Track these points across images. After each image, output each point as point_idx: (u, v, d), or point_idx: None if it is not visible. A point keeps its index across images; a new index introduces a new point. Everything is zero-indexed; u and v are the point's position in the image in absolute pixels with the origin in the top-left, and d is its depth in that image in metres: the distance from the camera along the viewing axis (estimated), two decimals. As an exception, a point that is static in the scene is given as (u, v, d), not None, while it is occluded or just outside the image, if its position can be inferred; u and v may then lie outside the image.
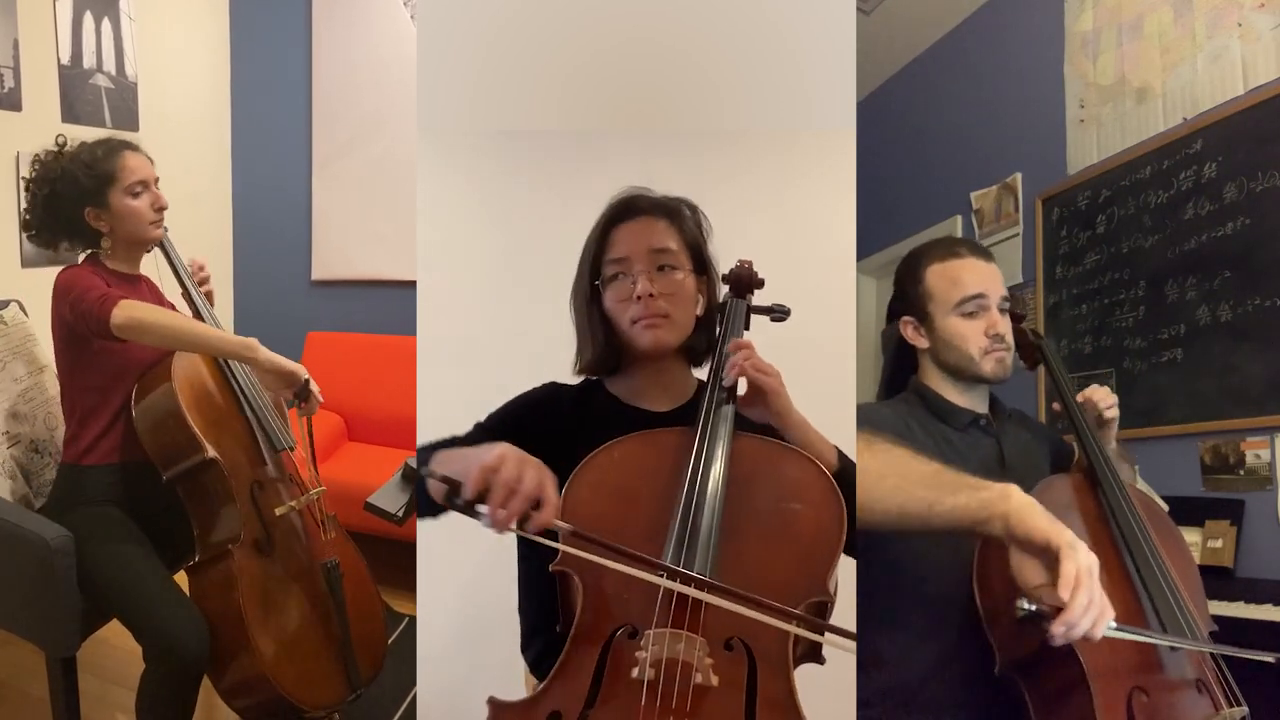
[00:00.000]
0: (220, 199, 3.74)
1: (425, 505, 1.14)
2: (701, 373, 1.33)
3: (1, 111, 2.62)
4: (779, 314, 1.34)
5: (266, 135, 3.70)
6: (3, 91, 2.62)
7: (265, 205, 3.73)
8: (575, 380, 1.37)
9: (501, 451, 0.98)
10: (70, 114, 2.89)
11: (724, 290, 1.35)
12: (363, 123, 3.52)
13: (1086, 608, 0.96)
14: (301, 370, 1.75)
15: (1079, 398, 1.44)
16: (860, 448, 1.16)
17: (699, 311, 1.31)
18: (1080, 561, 0.98)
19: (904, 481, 1.10)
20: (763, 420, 1.17)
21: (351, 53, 3.51)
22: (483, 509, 0.95)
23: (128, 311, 1.65)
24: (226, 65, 3.71)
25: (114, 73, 3.09)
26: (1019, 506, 1.04)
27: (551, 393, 1.34)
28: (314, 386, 1.78)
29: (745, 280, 1.33)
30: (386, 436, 3.27)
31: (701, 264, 1.32)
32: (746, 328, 1.32)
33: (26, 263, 2.69)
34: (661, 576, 1.01)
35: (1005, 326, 1.42)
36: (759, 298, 1.35)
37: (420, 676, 2.22)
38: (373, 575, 2.03)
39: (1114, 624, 1.00)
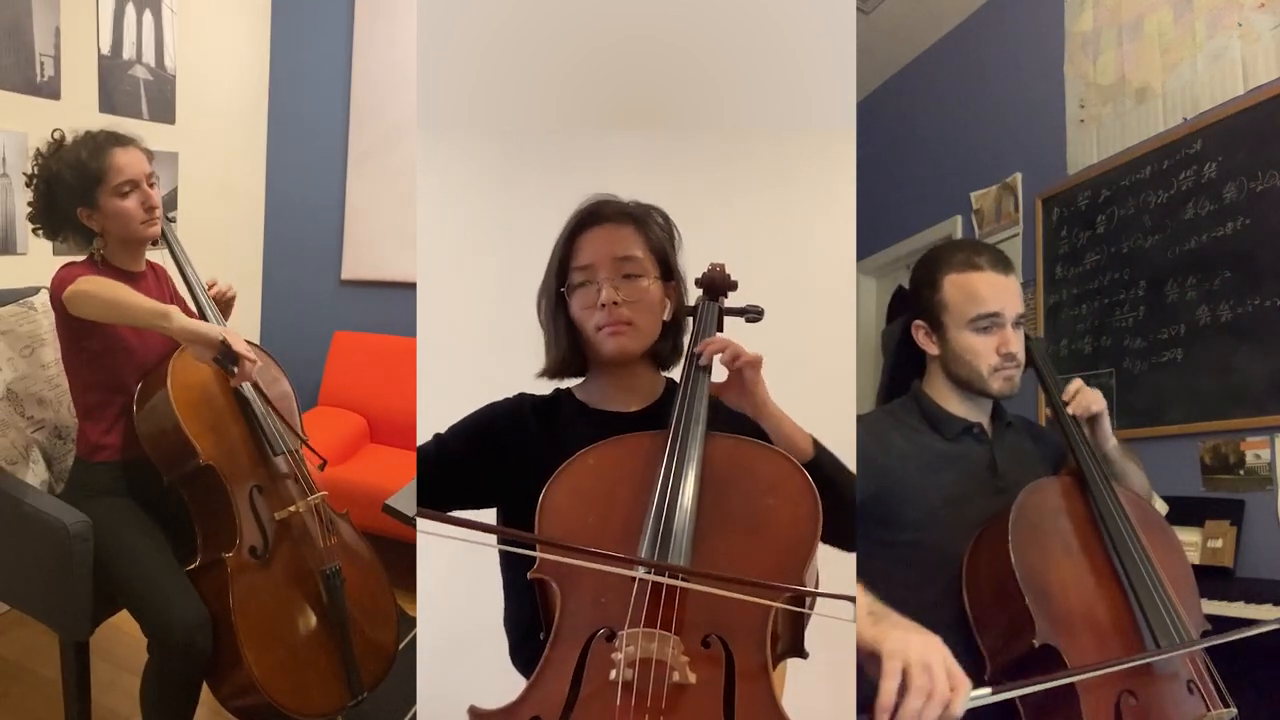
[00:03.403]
0: (254, 194, 3.73)
1: None
2: (671, 373, 1.34)
3: (40, 100, 2.63)
4: (753, 315, 1.34)
5: (303, 132, 3.69)
6: (42, 80, 2.63)
7: (298, 202, 3.72)
8: (545, 390, 1.37)
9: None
10: (108, 104, 2.89)
11: (698, 294, 1.35)
12: (399, 123, 3.50)
13: (919, 712, 0.92)
14: (217, 332, 1.66)
15: (1064, 397, 1.43)
16: None
17: (666, 317, 1.31)
18: (911, 659, 0.94)
19: None
20: (738, 406, 1.18)
21: (392, 52, 3.49)
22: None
23: (74, 286, 1.65)
24: (266, 61, 3.70)
25: (153, 64, 3.10)
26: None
27: (517, 404, 1.34)
28: (238, 346, 1.67)
29: (718, 283, 1.34)
30: (409, 439, 3.22)
31: (668, 270, 1.32)
32: (720, 330, 1.32)
33: (58, 251, 2.69)
34: (636, 570, 1.02)
35: (1018, 344, 1.40)
36: (733, 299, 1.35)
37: (420, 680, 2.22)
38: (388, 578, 2.00)
39: (980, 691, 0.96)
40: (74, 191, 1.78)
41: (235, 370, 1.70)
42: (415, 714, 2.17)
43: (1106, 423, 1.42)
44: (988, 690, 0.97)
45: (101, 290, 1.67)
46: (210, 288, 2.01)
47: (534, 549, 1.07)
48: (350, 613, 1.85)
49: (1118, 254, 2.71)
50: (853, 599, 1.00)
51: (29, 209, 1.86)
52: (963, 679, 0.95)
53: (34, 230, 1.88)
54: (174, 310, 1.66)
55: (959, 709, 0.94)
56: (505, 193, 2.74)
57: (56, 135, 1.84)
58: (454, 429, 1.32)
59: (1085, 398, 1.41)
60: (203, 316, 1.93)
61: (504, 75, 2.60)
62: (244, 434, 1.87)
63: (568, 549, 1.03)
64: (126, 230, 1.82)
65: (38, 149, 1.84)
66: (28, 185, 1.84)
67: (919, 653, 0.96)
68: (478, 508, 1.29)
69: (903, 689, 0.94)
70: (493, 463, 1.28)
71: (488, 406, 1.34)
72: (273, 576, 1.80)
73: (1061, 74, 2.94)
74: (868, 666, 1.01)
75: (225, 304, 2.05)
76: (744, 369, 1.15)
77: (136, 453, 1.82)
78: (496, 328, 2.56)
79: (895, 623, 1.02)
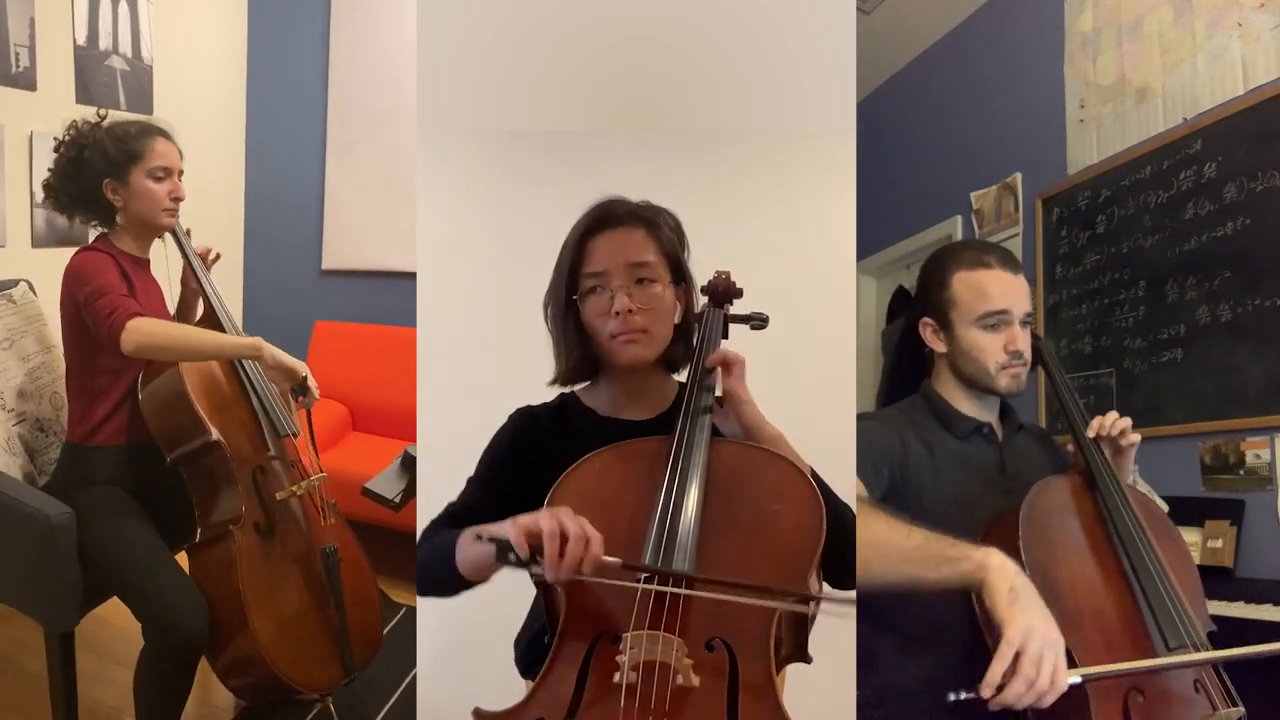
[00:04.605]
0: (233, 185, 3.74)
1: (432, 584, 1.20)
2: (681, 377, 1.33)
3: (16, 91, 2.62)
4: (758, 322, 1.34)
5: (281, 123, 3.70)
6: (18, 70, 2.62)
7: (278, 193, 3.73)
8: (547, 398, 1.36)
9: (535, 514, 1.01)
10: (85, 95, 2.89)
11: (703, 300, 1.35)
12: (378, 113, 3.51)
13: (1021, 695, 1.01)
14: (303, 367, 1.82)
15: (1090, 430, 1.40)
16: (858, 515, 1.18)
17: (676, 320, 1.30)
18: (1028, 649, 1.02)
19: (890, 562, 1.16)
20: (733, 434, 1.18)
21: (369, 43, 3.51)
22: (537, 565, 0.98)
23: (136, 337, 1.68)
24: (243, 51, 3.71)
25: (130, 55, 3.10)
26: (993, 583, 1.09)
27: (526, 421, 1.33)
28: (312, 382, 1.84)
29: (724, 290, 1.34)
30: (391, 428, 3.27)
31: (679, 273, 1.31)
32: (725, 336, 1.32)
33: (37, 242, 2.69)
34: (639, 580, 1.02)
35: (1025, 343, 1.41)
36: (738, 306, 1.36)
37: (420, 673, 2.23)
38: (370, 564, 2.05)
39: (1078, 676, 1.04)
40: (110, 163, 1.83)
41: (303, 398, 1.86)
42: (400, 697, 2.19)
43: (1131, 459, 1.43)
44: (1077, 677, 1.05)
45: (175, 341, 1.75)
46: (206, 252, 2.07)
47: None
48: (343, 594, 1.89)
49: (1118, 254, 2.71)
50: (854, 601, 1.04)
51: (48, 174, 1.89)
52: (1063, 676, 1.03)
53: (45, 199, 1.91)
54: (261, 341, 1.78)
55: (1049, 701, 1.03)
56: (504, 193, 2.74)
57: (102, 113, 1.91)
58: (482, 465, 1.31)
59: (1121, 422, 1.39)
60: (216, 319, 1.98)
61: (504, 76, 2.60)
62: (247, 418, 1.92)
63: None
64: (150, 213, 1.87)
65: (74, 121, 1.89)
66: (55, 150, 1.88)
67: (1037, 646, 1.02)
68: None
69: (1011, 671, 1.01)
70: (525, 484, 1.24)
71: (498, 436, 1.33)
72: (275, 552, 1.84)
73: (1061, 74, 2.94)
74: (986, 631, 1.09)
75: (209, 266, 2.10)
76: (728, 391, 1.17)
77: (137, 436, 1.85)
78: (495, 324, 2.57)
79: (1027, 607, 1.06)
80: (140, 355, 1.71)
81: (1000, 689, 1.01)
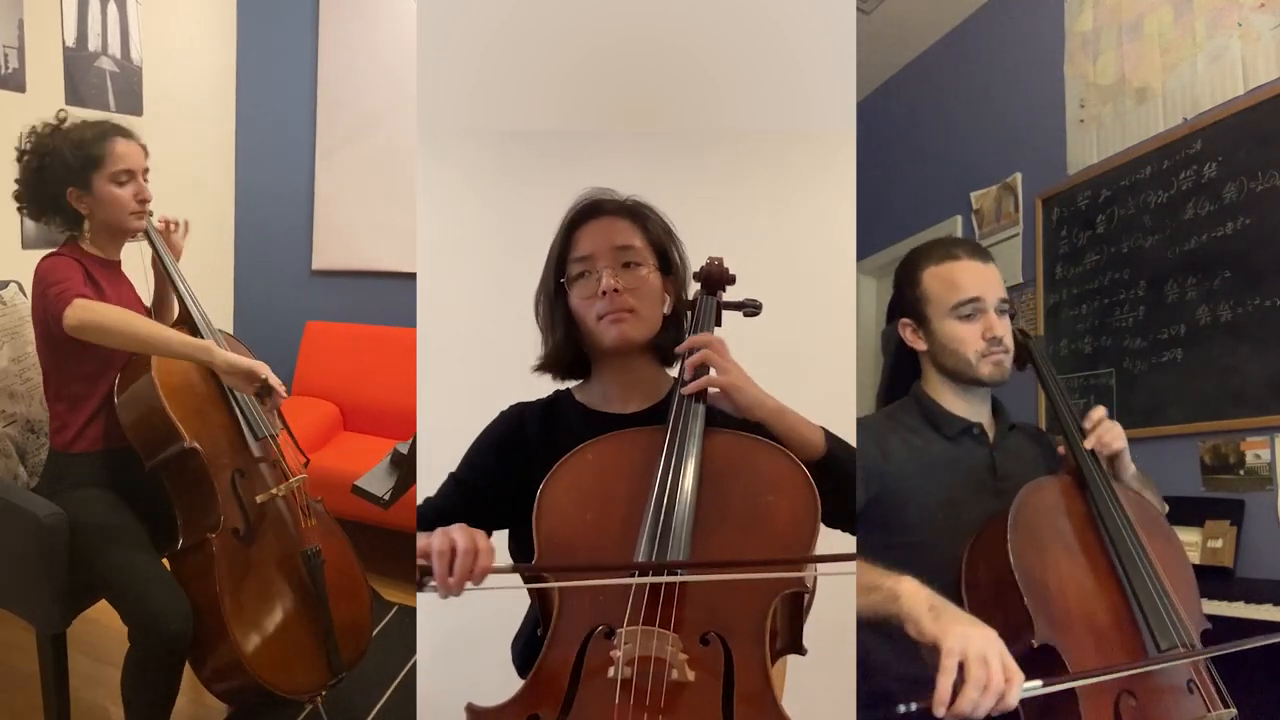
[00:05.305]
0: (223, 186, 3.74)
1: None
2: (674, 371, 1.34)
3: (5, 92, 2.61)
4: (750, 309, 1.34)
5: (271, 123, 3.71)
6: (7, 72, 2.61)
7: (268, 193, 3.74)
8: (541, 395, 1.37)
9: (428, 536, 1.02)
10: (74, 96, 2.89)
11: (695, 288, 1.36)
12: (367, 112, 3.52)
13: (978, 701, 0.96)
14: (260, 367, 1.75)
15: (1086, 443, 1.37)
16: None
17: (666, 310, 1.31)
18: (970, 653, 0.98)
19: None
20: (736, 414, 1.18)
21: (358, 42, 3.52)
22: (431, 584, 0.99)
23: (80, 313, 1.63)
24: (232, 52, 3.72)
25: (119, 56, 3.10)
26: (907, 609, 1.07)
27: (514, 421, 1.33)
28: (274, 382, 1.77)
29: (716, 276, 1.34)
30: (382, 427, 3.28)
31: (667, 262, 1.32)
32: (718, 324, 1.32)
33: (27, 244, 2.69)
34: (634, 575, 1.02)
35: (1003, 329, 1.41)
36: (731, 294, 1.36)
37: (420, 665, 2.23)
38: (361, 562, 2.05)
39: (1031, 684, 1.00)
40: (70, 171, 1.79)
41: (268, 399, 1.79)
42: (392, 695, 2.20)
43: (1127, 457, 1.41)
44: (1038, 682, 1.00)
45: (119, 324, 1.67)
46: (166, 226, 2.03)
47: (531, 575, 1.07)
48: (329, 594, 1.88)
49: (1118, 254, 2.71)
50: (853, 557, 1.04)
51: (15, 185, 1.86)
52: (1016, 671, 0.99)
53: (18, 209, 1.88)
54: (213, 345, 1.73)
55: (1013, 700, 0.98)
56: (504, 193, 2.74)
57: (60, 115, 1.86)
58: (464, 463, 1.31)
59: (1106, 434, 1.37)
60: (191, 319, 1.95)
61: (504, 76, 2.60)
62: (225, 420, 1.90)
63: (562, 570, 1.04)
64: (116, 218, 1.84)
65: (34, 127, 1.85)
66: (18, 160, 1.85)
67: (978, 647, 0.99)
68: (496, 528, 1.28)
69: (960, 681, 0.97)
70: (507, 485, 1.26)
71: (485, 433, 1.33)
72: (256, 557, 1.82)
73: (1061, 74, 2.94)
74: (929, 658, 1.04)
75: (172, 233, 2.06)
76: (724, 388, 1.16)
77: (117, 442, 1.83)
78: (495, 324, 2.57)
79: (955, 617, 1.04)
80: (81, 335, 1.64)
81: (953, 702, 0.96)
